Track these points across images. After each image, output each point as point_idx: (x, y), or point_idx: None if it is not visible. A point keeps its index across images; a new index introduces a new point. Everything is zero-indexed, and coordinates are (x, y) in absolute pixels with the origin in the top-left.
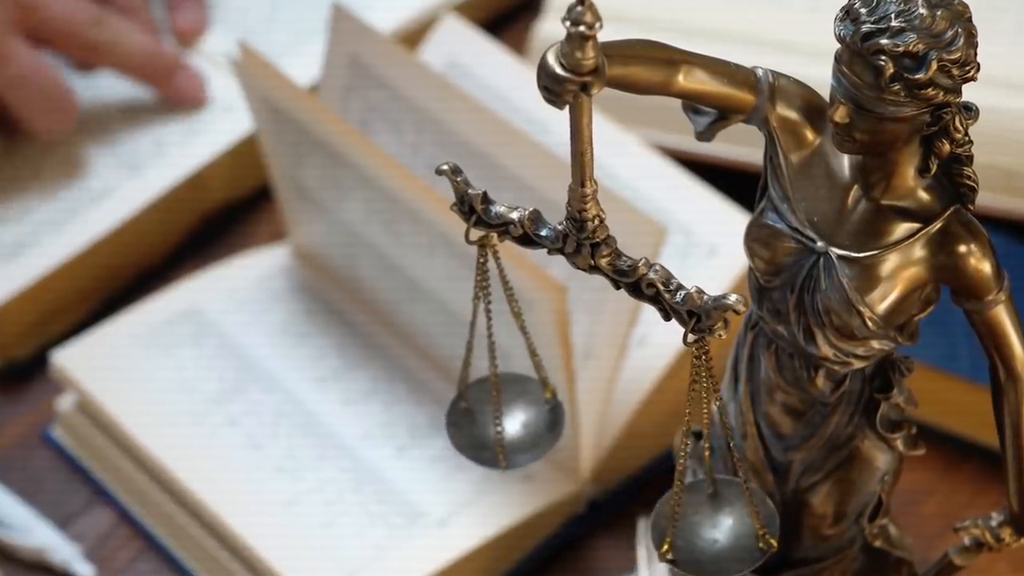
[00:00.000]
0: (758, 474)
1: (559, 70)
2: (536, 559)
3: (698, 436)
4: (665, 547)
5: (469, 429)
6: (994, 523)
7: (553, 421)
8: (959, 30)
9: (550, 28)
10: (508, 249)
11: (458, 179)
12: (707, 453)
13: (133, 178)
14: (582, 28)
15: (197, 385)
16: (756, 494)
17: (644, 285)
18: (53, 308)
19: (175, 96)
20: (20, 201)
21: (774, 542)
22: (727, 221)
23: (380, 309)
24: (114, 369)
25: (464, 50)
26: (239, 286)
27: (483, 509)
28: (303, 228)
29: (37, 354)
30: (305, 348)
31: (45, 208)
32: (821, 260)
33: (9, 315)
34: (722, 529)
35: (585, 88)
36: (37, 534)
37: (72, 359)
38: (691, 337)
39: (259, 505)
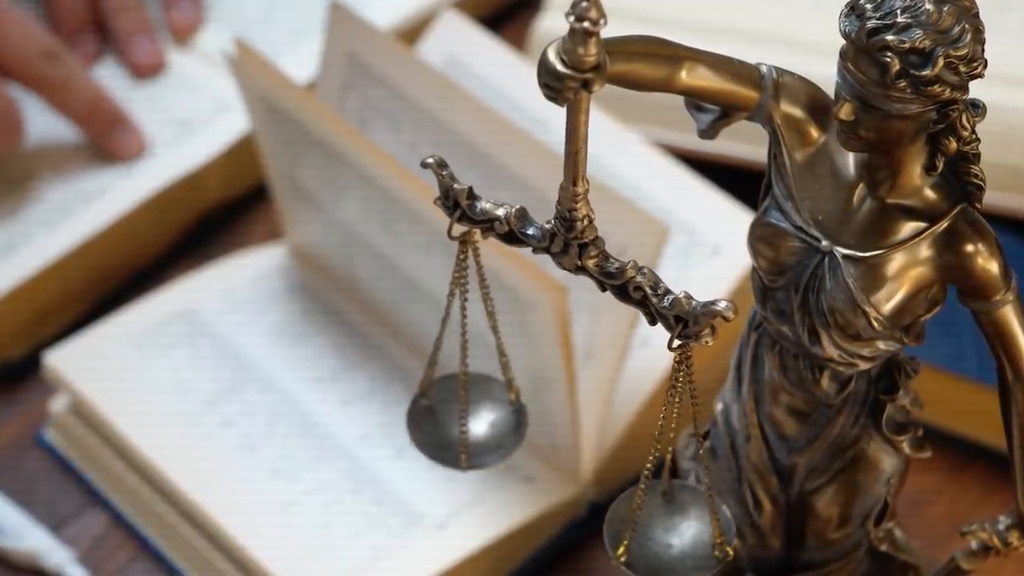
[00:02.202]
0: (762, 477)
1: (560, 67)
2: (536, 563)
3: (705, 437)
4: (621, 550)
5: (431, 428)
6: (1002, 527)
7: (517, 423)
8: (966, 26)
9: (551, 24)
10: (508, 248)
11: (444, 173)
12: (668, 458)
13: (127, 177)
14: (586, 24)
15: (192, 386)
16: (715, 501)
17: (631, 288)
18: (46, 308)
19: (111, 150)
20: (12, 200)
21: (730, 550)
22: (730, 220)
23: (378, 309)
24: (108, 370)
25: (463, 47)
26: (235, 286)
27: (483, 512)
28: (300, 227)
29: (30, 355)
30: (302, 348)
31: (38, 207)
32: (826, 260)
33: (1, 315)
34: (679, 534)
35: (586, 85)
36: (30, 538)
37: (65, 360)
38: (676, 343)
39: (255, 507)
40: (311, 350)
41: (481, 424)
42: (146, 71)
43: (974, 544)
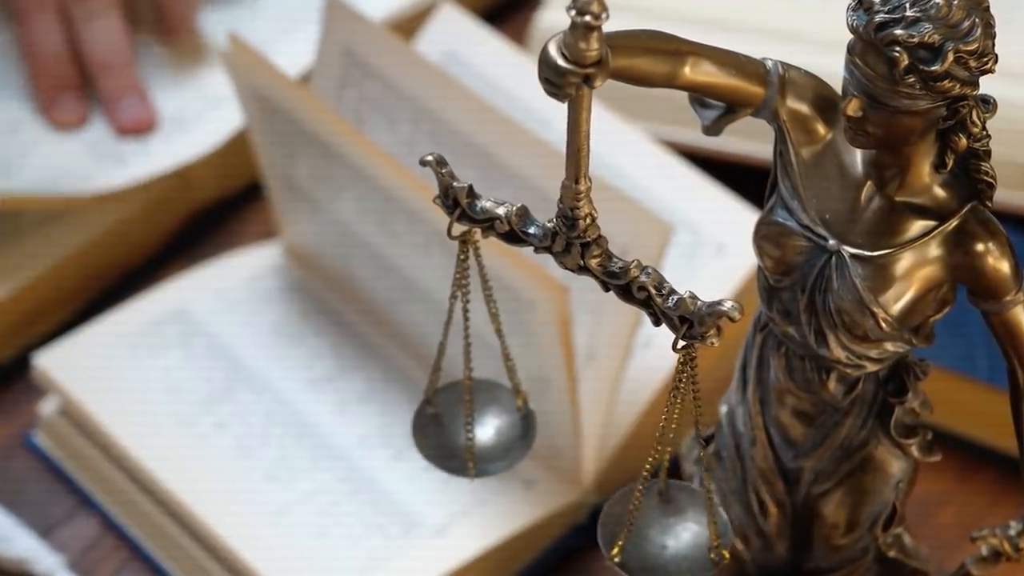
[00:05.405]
0: (768, 481)
1: (561, 62)
2: (537, 568)
3: (708, 441)
4: (615, 550)
5: (437, 435)
6: (1012, 532)
7: (525, 430)
8: (976, 20)
9: (552, 19)
10: (507, 248)
11: (443, 171)
12: (666, 460)
13: (119, 176)
14: (588, 18)
15: (185, 387)
16: (713, 503)
17: (635, 288)
18: (36, 309)
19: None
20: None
21: (726, 554)
22: (735, 219)
23: (375, 309)
24: (99, 371)
25: (462, 41)
26: (229, 286)
27: (481, 518)
28: (295, 226)
29: (19, 356)
30: (297, 350)
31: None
32: (833, 259)
33: None
34: (674, 536)
35: (588, 80)
36: (19, 544)
37: (55, 361)
38: (680, 343)
39: (249, 511)
40: (307, 351)
41: (488, 431)
42: (134, 132)
43: (984, 550)
